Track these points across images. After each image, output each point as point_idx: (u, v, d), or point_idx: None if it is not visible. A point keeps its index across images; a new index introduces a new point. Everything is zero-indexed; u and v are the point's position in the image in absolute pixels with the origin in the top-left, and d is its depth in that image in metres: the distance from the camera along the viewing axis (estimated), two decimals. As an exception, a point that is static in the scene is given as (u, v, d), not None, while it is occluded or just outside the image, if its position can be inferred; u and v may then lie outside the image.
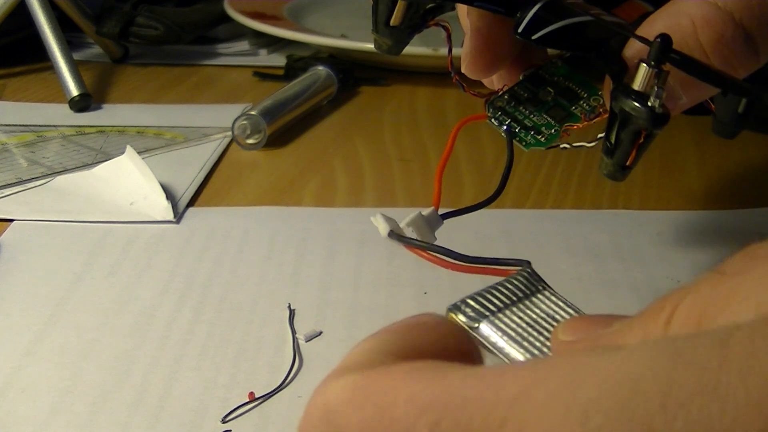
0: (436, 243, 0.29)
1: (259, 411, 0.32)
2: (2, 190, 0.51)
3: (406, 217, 0.31)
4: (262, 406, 0.33)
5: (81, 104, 0.66)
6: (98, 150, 0.58)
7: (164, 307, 0.39)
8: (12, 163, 0.55)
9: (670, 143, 0.62)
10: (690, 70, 0.28)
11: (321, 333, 0.37)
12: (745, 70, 0.29)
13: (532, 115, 0.31)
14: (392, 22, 0.33)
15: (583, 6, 0.31)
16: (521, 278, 0.23)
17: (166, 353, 0.36)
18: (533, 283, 0.23)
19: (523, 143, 0.33)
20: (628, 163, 0.29)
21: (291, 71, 0.74)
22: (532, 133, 0.32)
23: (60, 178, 0.52)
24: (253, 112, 0.58)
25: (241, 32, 0.84)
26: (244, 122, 0.59)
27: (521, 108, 0.33)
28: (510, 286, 0.23)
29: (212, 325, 0.38)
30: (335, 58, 0.77)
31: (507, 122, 0.33)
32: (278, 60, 0.79)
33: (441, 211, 0.32)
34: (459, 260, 0.27)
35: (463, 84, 0.34)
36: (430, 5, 0.33)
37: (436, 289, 0.41)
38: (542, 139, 0.33)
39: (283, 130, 0.61)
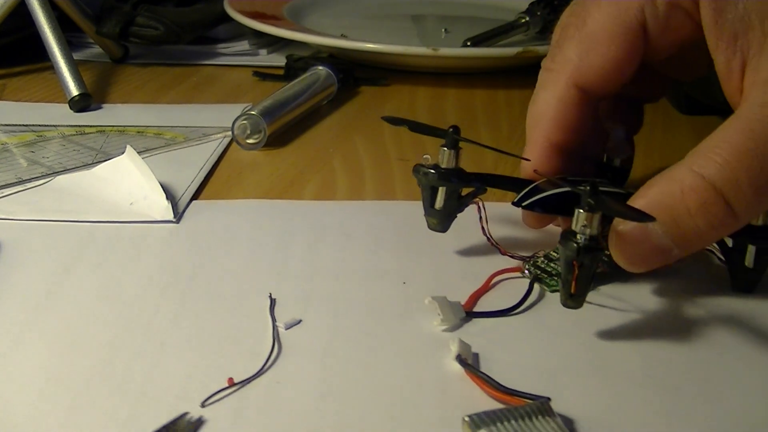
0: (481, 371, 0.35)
1: (237, 396, 0.33)
2: (2, 190, 0.51)
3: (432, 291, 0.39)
4: (240, 391, 0.34)
5: (81, 104, 0.66)
6: (98, 150, 0.58)
7: (149, 299, 0.40)
8: (12, 163, 0.55)
9: (671, 143, 0.62)
10: (607, 210, 0.35)
11: (300, 321, 0.38)
12: (726, 230, 0.36)
13: (560, 268, 0.37)
14: (436, 206, 0.41)
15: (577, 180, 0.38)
16: (535, 406, 0.31)
17: (150, 341, 0.37)
18: (542, 411, 0.31)
19: (549, 287, 0.41)
20: (572, 292, 0.36)
21: (291, 71, 0.74)
22: (556, 278, 0.39)
23: (60, 178, 0.52)
24: (253, 112, 0.58)
25: (241, 32, 0.84)
26: (244, 122, 0.59)
27: (552, 264, 0.42)
28: (522, 410, 0.31)
29: (196, 315, 0.39)
30: (335, 58, 0.77)
31: (537, 273, 0.42)
32: (278, 60, 0.79)
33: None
34: (497, 389, 0.33)
35: (499, 246, 0.43)
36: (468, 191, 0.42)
37: (414, 279, 0.42)
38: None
39: (283, 130, 0.61)
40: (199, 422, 0.32)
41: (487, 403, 0.33)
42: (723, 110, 0.64)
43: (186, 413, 0.32)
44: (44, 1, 0.69)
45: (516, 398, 0.32)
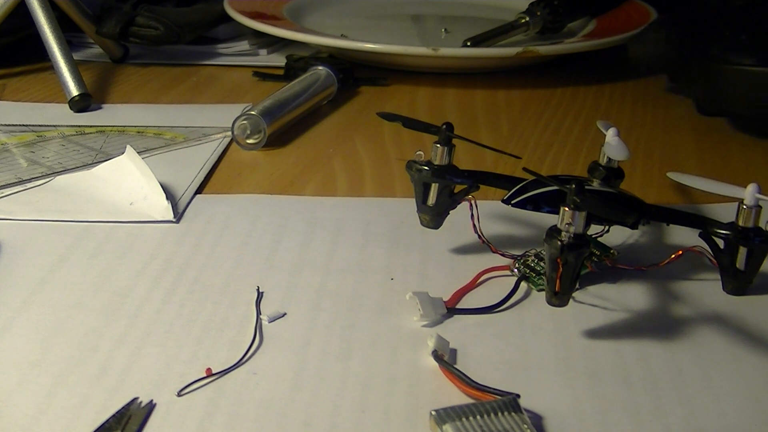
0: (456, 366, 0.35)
1: (214, 386, 0.34)
2: (2, 190, 0.51)
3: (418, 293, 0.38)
4: (217, 382, 0.34)
5: (81, 104, 0.66)
6: (98, 150, 0.58)
7: (139, 290, 0.41)
8: (12, 163, 0.55)
9: (670, 143, 0.62)
10: (591, 209, 0.35)
11: (285, 314, 0.39)
12: None
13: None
14: (428, 202, 0.42)
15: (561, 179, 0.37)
16: (502, 402, 0.31)
17: (135, 330, 0.37)
18: (510, 407, 0.31)
19: (536, 286, 0.41)
20: (557, 290, 0.35)
21: (291, 71, 0.74)
22: (544, 277, 0.37)
23: (60, 178, 0.52)
24: (253, 112, 0.58)
25: (241, 32, 0.84)
26: (244, 122, 0.59)
27: (542, 263, 0.41)
28: (489, 406, 0.31)
29: (184, 307, 0.39)
30: (335, 58, 0.77)
31: (525, 272, 0.41)
32: (278, 60, 0.79)
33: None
34: (468, 384, 0.33)
35: (490, 245, 0.43)
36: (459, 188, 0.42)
37: (402, 275, 0.42)
38: None
39: (283, 130, 0.61)
40: (151, 405, 0.32)
41: (458, 398, 0.33)
42: (730, 113, 0.65)
43: (136, 398, 0.33)
44: (44, 1, 0.69)
45: (486, 394, 0.32)
